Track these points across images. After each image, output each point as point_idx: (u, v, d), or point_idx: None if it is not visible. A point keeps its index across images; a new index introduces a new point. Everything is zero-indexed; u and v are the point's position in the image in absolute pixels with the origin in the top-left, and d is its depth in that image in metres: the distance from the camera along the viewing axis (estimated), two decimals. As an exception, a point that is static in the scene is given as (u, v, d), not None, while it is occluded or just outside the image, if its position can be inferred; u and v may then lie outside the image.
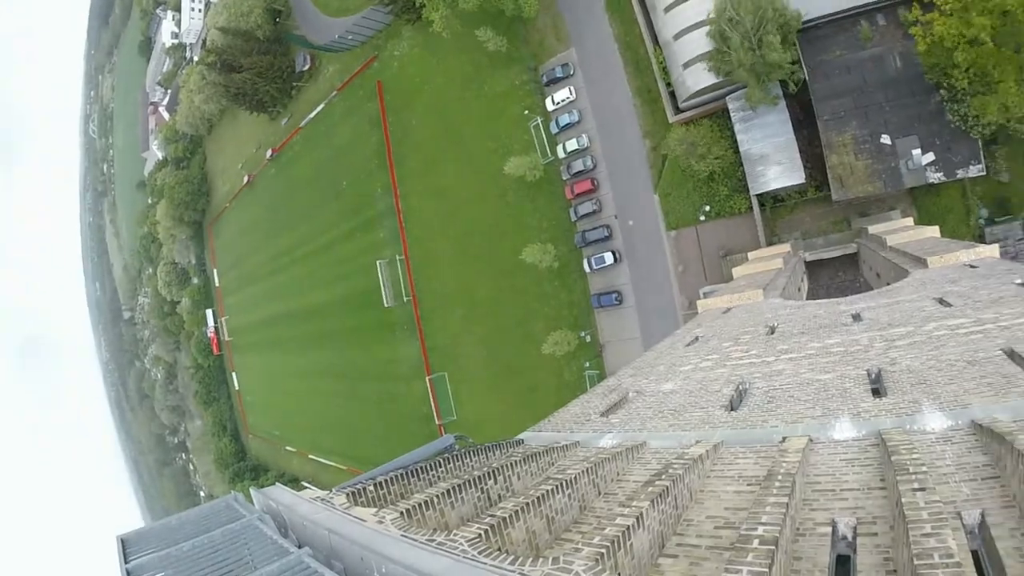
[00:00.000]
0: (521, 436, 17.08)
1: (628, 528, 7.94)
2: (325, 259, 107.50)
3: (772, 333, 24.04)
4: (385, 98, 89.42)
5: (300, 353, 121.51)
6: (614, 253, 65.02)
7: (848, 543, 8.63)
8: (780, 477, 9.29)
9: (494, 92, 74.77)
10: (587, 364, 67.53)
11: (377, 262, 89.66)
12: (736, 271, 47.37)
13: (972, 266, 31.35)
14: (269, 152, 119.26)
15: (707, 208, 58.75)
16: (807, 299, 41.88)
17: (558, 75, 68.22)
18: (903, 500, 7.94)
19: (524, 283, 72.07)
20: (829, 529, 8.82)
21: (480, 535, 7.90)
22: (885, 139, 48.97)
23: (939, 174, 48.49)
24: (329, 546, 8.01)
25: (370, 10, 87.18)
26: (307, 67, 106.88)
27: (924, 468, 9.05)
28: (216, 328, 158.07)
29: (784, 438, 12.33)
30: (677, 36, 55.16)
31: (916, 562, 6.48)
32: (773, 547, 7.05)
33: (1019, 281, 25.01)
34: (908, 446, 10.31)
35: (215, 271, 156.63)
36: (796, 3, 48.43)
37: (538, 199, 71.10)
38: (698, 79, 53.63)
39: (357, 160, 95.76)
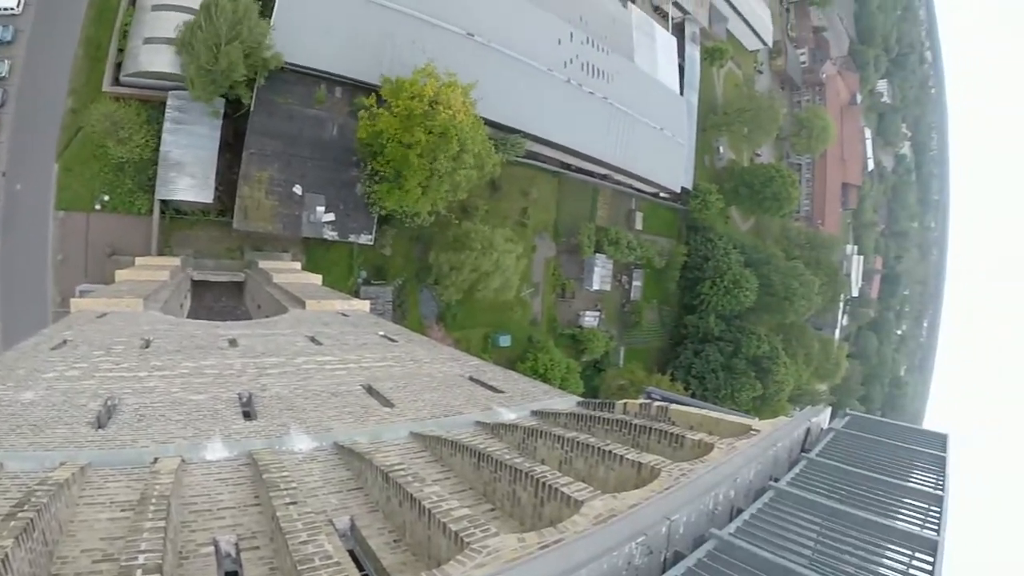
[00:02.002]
0: None
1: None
2: None
3: (147, 347, 22.77)
4: None
5: None
6: (-8, 219, 50.24)
7: (233, 559, 8.78)
8: (154, 500, 8.87)
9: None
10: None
11: None
12: (120, 274, 43.11)
13: (345, 315, 35.86)
14: None
15: (106, 198, 52.08)
16: (188, 318, 40.74)
17: None
18: (278, 514, 8.41)
19: None
20: (212, 549, 8.82)
21: None
22: (297, 189, 53.37)
23: (334, 233, 55.22)
24: None
25: None
26: None
27: (294, 484, 9.81)
28: None
29: (156, 459, 11.81)
30: (156, 7, 50.02)
31: (300, 567, 6.92)
32: (158, 574, 6.77)
33: (382, 333, 29.80)
34: (278, 465, 11.02)
35: None
36: (282, 45, 50.06)
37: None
38: (153, 60, 49.13)
39: None
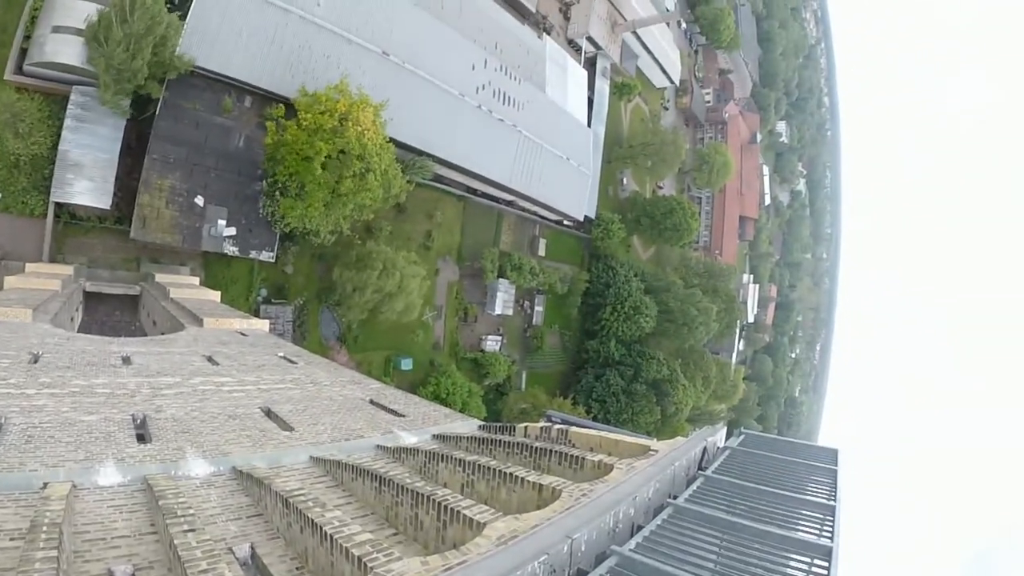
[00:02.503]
0: None
1: None
2: None
3: (36, 362, 21.88)
4: None
5: None
6: None
7: (130, 591, 8.62)
8: (46, 528, 8.52)
9: None
10: None
11: None
12: (8, 280, 40.95)
13: (243, 334, 35.25)
14: None
15: None
16: (79, 332, 39.34)
17: None
18: (175, 542, 8.41)
19: None
20: (107, 580, 8.61)
21: None
22: (199, 200, 51.74)
23: (235, 248, 53.83)
24: None
25: None
26: None
27: (191, 511, 9.75)
28: None
29: (46, 484, 11.37)
30: None
31: (200, 597, 6.91)
32: (53, 609, 6.51)
33: (281, 354, 29.57)
34: (175, 491, 10.90)
35: None
36: (194, 48, 49.23)
37: None
38: (61, 50, 46.43)
39: None
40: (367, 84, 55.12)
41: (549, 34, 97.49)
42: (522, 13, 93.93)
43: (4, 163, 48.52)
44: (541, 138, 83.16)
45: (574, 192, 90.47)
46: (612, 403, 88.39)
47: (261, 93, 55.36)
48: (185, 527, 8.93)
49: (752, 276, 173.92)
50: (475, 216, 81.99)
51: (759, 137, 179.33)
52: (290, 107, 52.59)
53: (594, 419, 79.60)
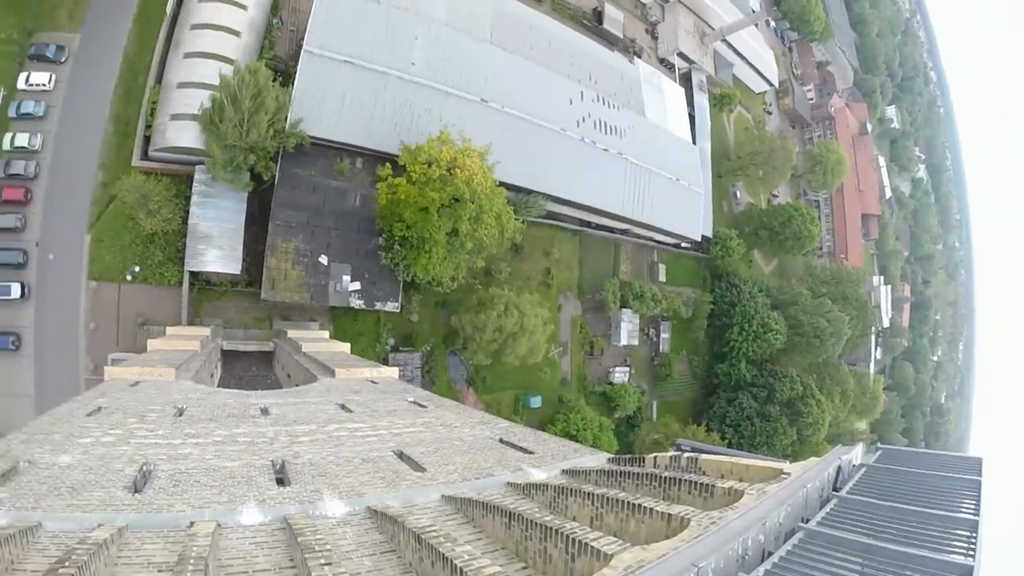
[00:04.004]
0: None
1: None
2: None
3: (180, 415, 23.40)
4: None
5: None
6: (24, 286, 52.14)
7: (269, 621, 8.93)
8: (192, 561, 9.09)
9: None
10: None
11: None
12: (152, 343, 44.34)
13: (374, 382, 36.24)
14: None
15: (137, 269, 53.94)
16: (219, 387, 41.75)
17: (49, 55, 55.29)
18: (313, 575, 8.70)
19: None
20: (248, 610, 8.90)
21: None
22: (323, 259, 54.66)
23: (361, 302, 56.23)
24: None
25: None
26: None
27: (328, 547, 10.05)
28: None
29: (192, 523, 12.07)
30: (182, 85, 52.61)
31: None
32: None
33: (411, 399, 30.22)
34: (312, 528, 11.31)
35: None
36: (303, 118, 52.22)
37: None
38: (180, 136, 51.35)
39: None
40: (469, 131, 56.54)
41: (640, 57, 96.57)
42: (610, 40, 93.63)
43: (139, 239, 53.44)
44: (648, 162, 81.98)
45: (688, 213, 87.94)
46: (746, 427, 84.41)
47: (371, 153, 57.94)
48: (323, 561, 9.25)
49: (882, 277, 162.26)
50: (592, 249, 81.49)
51: (869, 127, 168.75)
52: (398, 164, 54.30)
53: (728, 445, 76.85)
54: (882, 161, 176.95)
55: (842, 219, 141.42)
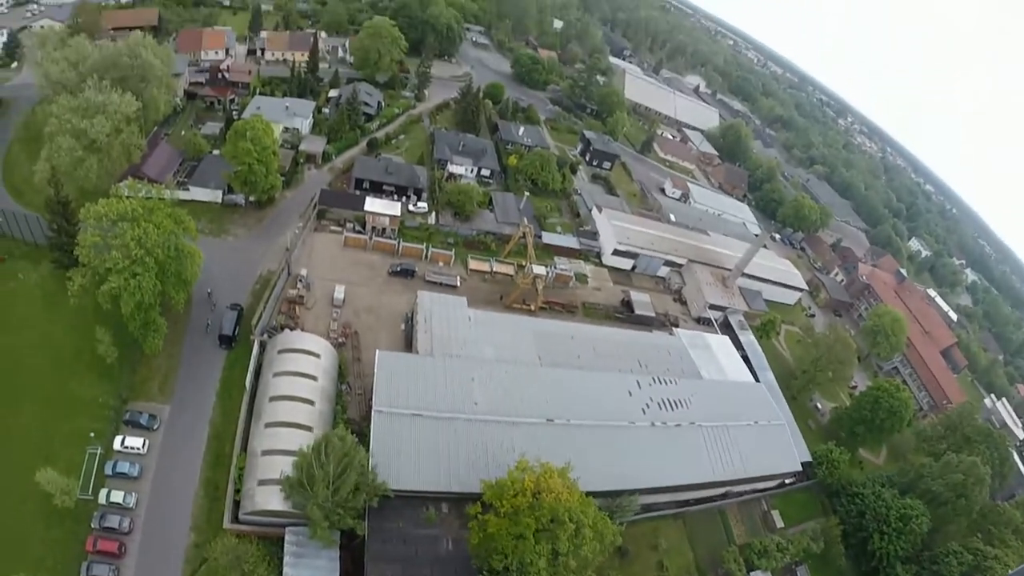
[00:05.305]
0: None
1: None
2: None
3: None
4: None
5: None
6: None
7: None
8: None
9: (75, 392, 64.23)
10: None
11: None
12: None
13: None
14: None
15: None
16: None
17: (141, 422, 62.40)
18: None
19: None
20: None
21: None
22: None
23: None
24: None
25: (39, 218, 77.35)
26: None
27: None
28: None
29: None
30: (266, 452, 57.20)
31: None
32: None
33: None
34: None
35: None
36: (384, 473, 56.11)
37: (53, 529, 55.20)
38: (268, 500, 54.35)
39: None
40: (545, 453, 58.71)
41: (677, 326, 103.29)
42: (645, 323, 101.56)
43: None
44: (721, 419, 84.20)
45: (778, 448, 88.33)
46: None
47: (455, 496, 60.58)
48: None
49: (992, 395, 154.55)
50: (698, 524, 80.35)
51: (903, 271, 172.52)
52: (484, 501, 55.38)
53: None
54: (932, 292, 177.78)
55: (925, 368, 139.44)
